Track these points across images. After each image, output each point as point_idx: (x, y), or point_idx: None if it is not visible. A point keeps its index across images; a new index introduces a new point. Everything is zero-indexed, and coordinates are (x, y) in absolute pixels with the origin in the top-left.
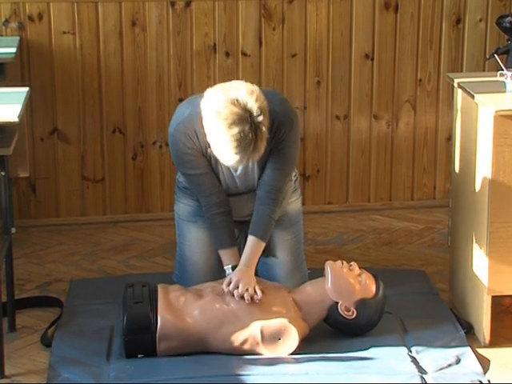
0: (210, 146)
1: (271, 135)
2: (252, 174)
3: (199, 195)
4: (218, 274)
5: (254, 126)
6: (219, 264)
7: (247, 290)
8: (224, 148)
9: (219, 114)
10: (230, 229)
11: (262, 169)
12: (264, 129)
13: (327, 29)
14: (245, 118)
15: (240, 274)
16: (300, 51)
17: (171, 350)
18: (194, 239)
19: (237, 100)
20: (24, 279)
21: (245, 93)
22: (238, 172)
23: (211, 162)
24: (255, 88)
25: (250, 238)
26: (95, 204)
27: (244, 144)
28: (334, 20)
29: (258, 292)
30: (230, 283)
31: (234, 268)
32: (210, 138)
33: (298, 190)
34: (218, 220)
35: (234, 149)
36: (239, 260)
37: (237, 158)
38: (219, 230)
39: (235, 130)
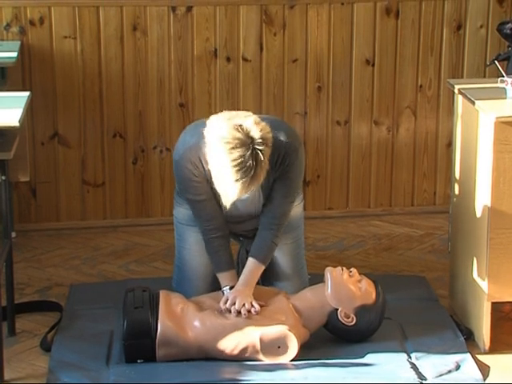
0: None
1: (277, 164)
2: (258, 203)
3: (199, 219)
4: (217, 280)
5: (255, 153)
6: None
7: (244, 305)
8: (224, 174)
9: (221, 138)
10: (228, 252)
11: (266, 197)
12: (264, 158)
13: (328, 34)
14: (246, 143)
15: (237, 292)
16: (301, 57)
17: (170, 356)
18: (194, 243)
19: (240, 126)
20: (24, 283)
21: (250, 121)
22: (244, 198)
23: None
24: (262, 120)
25: (251, 260)
26: (95, 208)
27: (244, 170)
28: (334, 26)
29: (256, 305)
30: (227, 301)
31: (231, 288)
32: (211, 165)
33: (301, 195)
34: (216, 244)
35: (234, 174)
36: (237, 281)
37: (237, 185)
38: (217, 253)
39: (235, 154)
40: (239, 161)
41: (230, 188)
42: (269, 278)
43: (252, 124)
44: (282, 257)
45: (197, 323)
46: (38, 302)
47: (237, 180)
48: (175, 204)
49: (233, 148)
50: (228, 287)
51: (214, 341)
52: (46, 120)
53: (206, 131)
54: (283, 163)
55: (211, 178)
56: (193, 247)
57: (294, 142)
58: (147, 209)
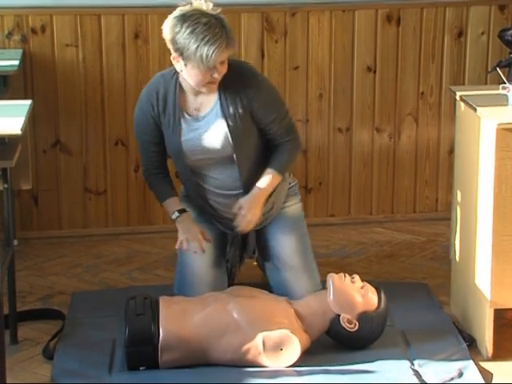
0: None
1: (240, 103)
2: (220, 132)
3: (142, 157)
4: (220, 285)
5: (217, 18)
6: (221, 276)
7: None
8: (199, 43)
9: (183, 16)
10: (170, 183)
11: (237, 131)
12: (228, 26)
13: (329, 42)
14: (207, 13)
15: (250, 198)
16: (302, 64)
17: (173, 361)
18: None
19: (191, 6)
20: (26, 291)
21: (195, 2)
22: (203, 122)
23: (172, 122)
24: None
25: (268, 170)
26: (97, 216)
27: (217, 30)
28: (336, 33)
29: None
30: (240, 208)
31: (180, 211)
32: (183, 47)
33: (298, 195)
34: (158, 177)
35: (209, 37)
36: (181, 205)
37: (215, 47)
38: (158, 185)
39: (204, 19)
40: (209, 24)
41: (207, 54)
42: (280, 282)
43: (201, 1)
44: (286, 256)
45: (199, 323)
46: (40, 310)
47: (213, 41)
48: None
49: (199, 16)
50: (177, 212)
51: (217, 342)
52: (48, 128)
53: (164, 27)
54: (250, 86)
55: (167, 112)
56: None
57: (250, 74)
58: (149, 216)
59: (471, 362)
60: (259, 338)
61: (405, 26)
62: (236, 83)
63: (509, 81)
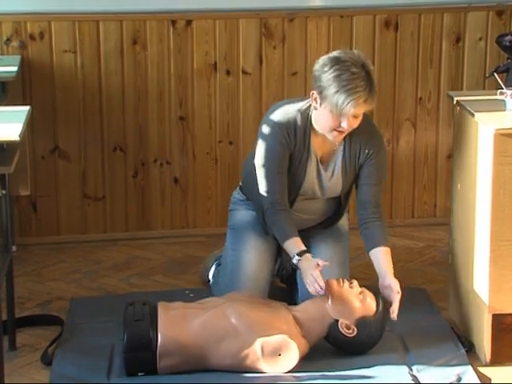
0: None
1: (367, 146)
2: (337, 183)
3: (266, 191)
4: (269, 283)
5: (368, 73)
6: (271, 274)
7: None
8: (340, 88)
9: (337, 59)
10: (292, 223)
11: (348, 183)
12: (375, 81)
13: (327, 47)
14: (360, 63)
15: (394, 280)
16: (300, 69)
17: (172, 367)
18: (252, 247)
19: (351, 52)
20: (24, 297)
21: (356, 51)
22: (329, 172)
23: (299, 160)
24: None
25: (377, 250)
26: (96, 222)
27: (362, 83)
28: (334, 38)
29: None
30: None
31: (300, 254)
32: (324, 86)
33: (348, 213)
34: (282, 215)
35: (354, 87)
36: (303, 246)
37: (355, 97)
38: (283, 223)
39: (354, 69)
40: (359, 74)
41: (344, 103)
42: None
43: (360, 53)
44: (331, 266)
45: (198, 328)
46: (38, 315)
47: (353, 92)
48: (232, 213)
49: (351, 64)
50: (296, 254)
51: (216, 347)
52: (47, 134)
53: (317, 63)
54: (372, 146)
55: (297, 149)
56: (250, 250)
57: (379, 134)
58: (148, 222)
59: (470, 367)
60: (258, 343)
61: (403, 32)
62: (362, 137)
63: (507, 86)
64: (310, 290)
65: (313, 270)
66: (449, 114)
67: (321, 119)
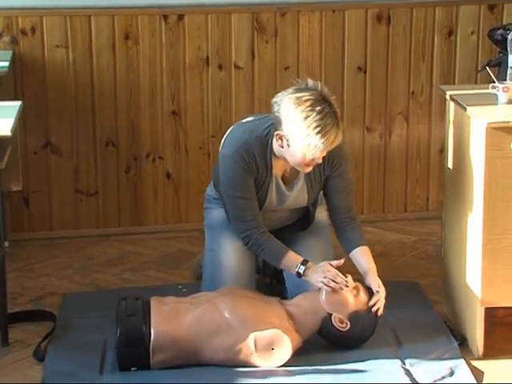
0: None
1: (331, 159)
2: (302, 197)
3: (240, 219)
4: (253, 280)
5: (331, 105)
6: (254, 270)
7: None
8: (312, 130)
9: (298, 99)
10: (277, 241)
11: (314, 195)
12: (337, 109)
13: (319, 41)
14: (322, 97)
15: (376, 279)
16: (293, 64)
17: (165, 362)
18: (228, 245)
19: (307, 86)
20: (17, 293)
21: (311, 80)
22: (293, 191)
23: (261, 185)
24: None
25: (357, 250)
26: (88, 217)
27: (329, 120)
28: (326, 33)
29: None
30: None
31: (303, 263)
32: (292, 130)
33: (325, 205)
34: (263, 239)
35: (323, 127)
36: (301, 257)
37: (326, 138)
38: (268, 247)
39: (318, 107)
40: (324, 113)
41: (315, 144)
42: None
43: (314, 82)
44: (313, 256)
45: (190, 322)
46: (31, 311)
47: (325, 132)
48: (207, 212)
49: (314, 103)
50: (300, 264)
51: (209, 342)
52: (39, 129)
53: (276, 106)
54: (332, 163)
55: (260, 174)
56: (228, 248)
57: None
58: (140, 217)
59: (462, 360)
60: (251, 337)
61: (395, 26)
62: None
63: (499, 80)
64: (326, 288)
65: (326, 272)
66: (441, 107)
67: (291, 158)
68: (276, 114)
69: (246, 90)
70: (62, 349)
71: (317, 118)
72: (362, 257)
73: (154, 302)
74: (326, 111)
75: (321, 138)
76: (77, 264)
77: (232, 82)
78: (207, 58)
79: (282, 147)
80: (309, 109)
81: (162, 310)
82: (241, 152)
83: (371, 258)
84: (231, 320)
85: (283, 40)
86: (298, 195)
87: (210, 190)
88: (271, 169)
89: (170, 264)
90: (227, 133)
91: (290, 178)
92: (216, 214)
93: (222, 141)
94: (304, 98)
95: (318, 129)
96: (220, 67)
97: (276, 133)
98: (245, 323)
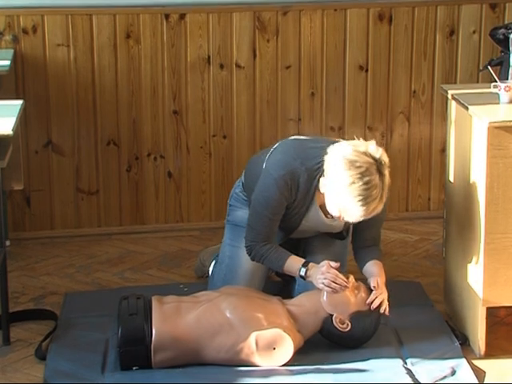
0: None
1: None
2: (338, 224)
3: (254, 230)
4: (264, 281)
5: (382, 177)
6: (266, 273)
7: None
8: (355, 197)
9: (351, 162)
10: (279, 247)
11: (349, 223)
12: (388, 181)
13: (321, 40)
14: (376, 167)
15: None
16: (294, 63)
17: (166, 361)
18: None
19: (367, 151)
20: (18, 292)
21: (374, 146)
22: (331, 221)
23: (298, 210)
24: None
25: (367, 265)
26: (90, 216)
27: (374, 192)
28: (328, 32)
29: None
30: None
31: (304, 265)
32: (335, 188)
33: None
34: (265, 248)
35: (366, 198)
36: (302, 259)
37: (366, 208)
38: (269, 254)
39: (367, 178)
40: (370, 185)
41: (353, 210)
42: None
43: (376, 148)
44: (328, 259)
45: (192, 322)
46: (32, 310)
47: (366, 203)
48: (232, 209)
49: (365, 172)
50: (301, 266)
51: (210, 341)
52: (40, 128)
53: (329, 155)
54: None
55: (298, 201)
56: None
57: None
58: (141, 216)
59: (464, 360)
60: (252, 337)
61: (396, 25)
62: None
63: (500, 79)
64: (327, 290)
65: (325, 274)
66: (443, 107)
67: (328, 206)
68: (325, 164)
69: (248, 89)
70: (63, 348)
71: (362, 187)
72: (373, 266)
73: (156, 302)
74: (374, 183)
75: (360, 207)
76: (78, 263)
77: (233, 81)
78: (209, 57)
79: (324, 192)
80: (358, 176)
81: (164, 309)
82: (286, 179)
83: (382, 270)
84: (232, 319)
85: (285, 39)
86: (334, 224)
87: (238, 190)
88: (312, 199)
89: (171, 263)
90: (279, 147)
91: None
92: (243, 213)
93: (271, 152)
94: (357, 164)
95: (360, 197)
96: (221, 66)
97: (322, 179)
98: (246, 323)
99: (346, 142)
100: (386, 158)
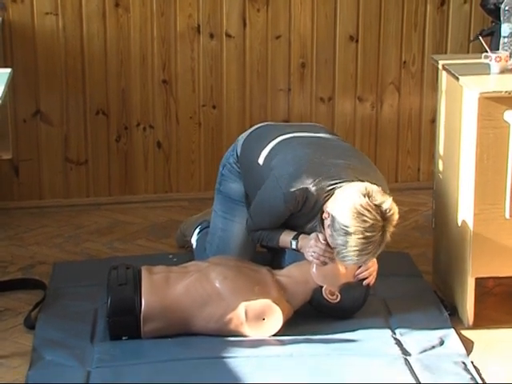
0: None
1: None
2: None
3: (257, 226)
4: (254, 253)
5: (384, 235)
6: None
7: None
8: (350, 246)
9: (359, 215)
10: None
11: None
12: (388, 240)
13: (311, 11)
14: (381, 226)
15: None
16: (284, 33)
17: (155, 331)
18: (243, 218)
19: (380, 206)
20: (7, 261)
21: (389, 202)
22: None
23: (299, 217)
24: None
25: None
26: (79, 186)
27: (370, 247)
28: (318, 2)
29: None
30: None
31: (294, 237)
32: (335, 229)
33: None
34: (262, 234)
35: (360, 250)
36: (294, 232)
37: (358, 259)
38: (266, 236)
39: (369, 233)
40: (370, 240)
41: (344, 254)
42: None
43: (390, 205)
44: None
45: (181, 292)
46: (21, 279)
47: (360, 255)
48: (225, 179)
49: (369, 227)
50: (293, 241)
51: (199, 311)
52: (28, 97)
53: (341, 192)
54: None
55: (300, 213)
56: (242, 221)
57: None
58: (131, 186)
59: (452, 330)
60: (241, 307)
61: None
62: None
63: (491, 50)
64: (316, 262)
65: (313, 247)
66: (433, 77)
67: (326, 234)
68: (336, 199)
69: (238, 59)
70: (52, 317)
71: (361, 241)
72: None
73: (145, 272)
74: (373, 239)
75: (354, 256)
76: (67, 233)
77: (223, 50)
78: (198, 26)
79: (327, 225)
80: (360, 229)
81: (153, 279)
82: (296, 195)
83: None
84: (222, 290)
85: (275, 9)
86: None
87: (232, 161)
88: (316, 214)
89: (160, 233)
90: (291, 151)
91: None
92: (235, 185)
93: (281, 152)
94: (364, 218)
95: (355, 248)
96: (211, 36)
97: (325, 215)
98: (235, 293)
99: (363, 185)
100: (395, 218)
